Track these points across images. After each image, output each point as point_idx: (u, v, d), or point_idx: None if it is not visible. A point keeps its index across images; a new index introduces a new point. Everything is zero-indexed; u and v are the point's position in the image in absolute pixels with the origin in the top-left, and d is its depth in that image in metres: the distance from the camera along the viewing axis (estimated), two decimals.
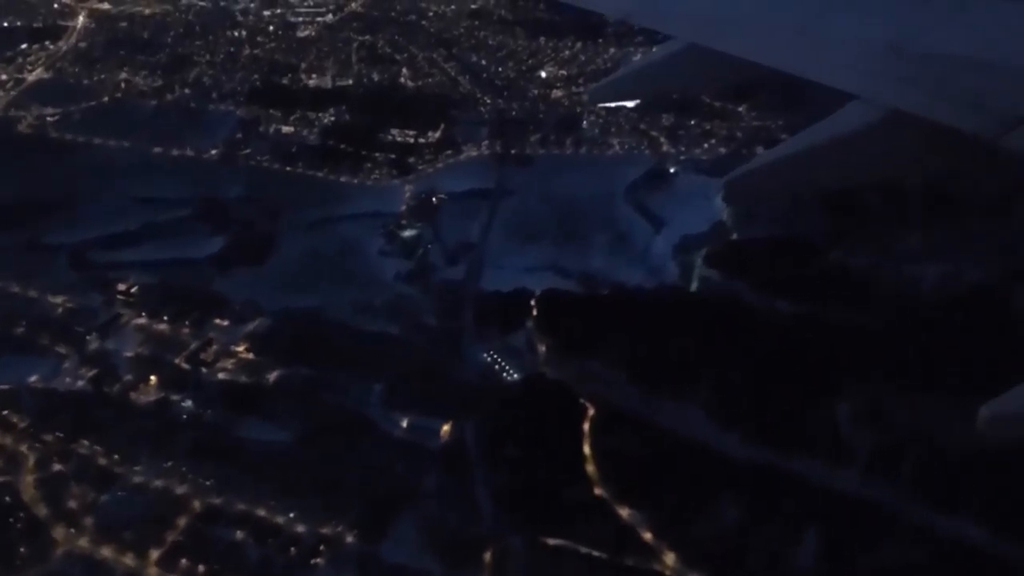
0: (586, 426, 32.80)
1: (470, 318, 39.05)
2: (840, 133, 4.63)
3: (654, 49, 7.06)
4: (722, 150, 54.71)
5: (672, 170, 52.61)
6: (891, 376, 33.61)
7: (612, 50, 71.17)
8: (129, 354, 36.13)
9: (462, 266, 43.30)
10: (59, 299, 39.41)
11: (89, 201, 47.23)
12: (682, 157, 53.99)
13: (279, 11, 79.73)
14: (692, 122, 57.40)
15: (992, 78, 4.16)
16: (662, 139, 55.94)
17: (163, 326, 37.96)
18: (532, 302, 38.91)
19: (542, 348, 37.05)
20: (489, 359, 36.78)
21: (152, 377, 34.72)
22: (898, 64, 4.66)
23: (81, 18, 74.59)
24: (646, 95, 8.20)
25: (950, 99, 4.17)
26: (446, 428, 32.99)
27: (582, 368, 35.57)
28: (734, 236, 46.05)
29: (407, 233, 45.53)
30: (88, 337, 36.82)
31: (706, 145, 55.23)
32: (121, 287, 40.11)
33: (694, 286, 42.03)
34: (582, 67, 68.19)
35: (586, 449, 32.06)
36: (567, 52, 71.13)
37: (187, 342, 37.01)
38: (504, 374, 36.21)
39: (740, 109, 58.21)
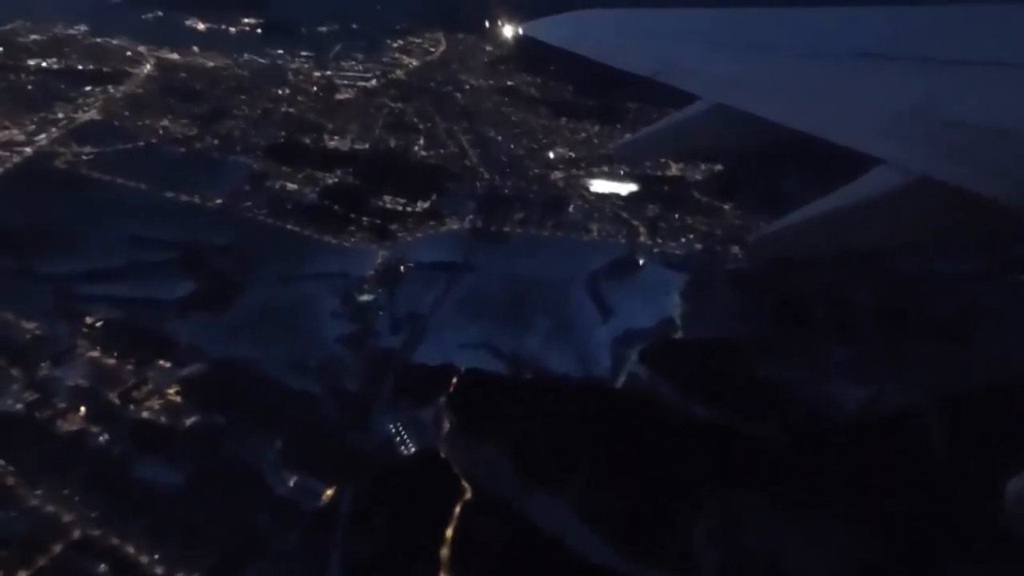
0: (457, 509, 33.92)
1: (389, 387, 40.91)
2: (866, 197, 4.66)
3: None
4: (697, 246, 55.42)
5: (641, 261, 53.61)
6: (767, 497, 33.56)
7: (627, 135, 73.06)
8: (71, 384, 39.46)
9: (402, 336, 45.37)
10: (31, 325, 43.39)
11: (90, 236, 51.72)
12: (655, 249, 54.97)
13: (328, 73, 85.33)
14: (675, 215, 58.45)
15: (1021, 147, 4.20)
16: (641, 229, 57.11)
17: (111, 361, 41.32)
18: (452, 379, 40.55)
19: (446, 426, 38.48)
20: (393, 430, 38.46)
21: (82, 408, 37.89)
22: (926, 130, 4.69)
23: (147, 67, 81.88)
24: (671, 154, 9.05)
25: (978, 167, 4.18)
26: (328, 491, 34.71)
27: (475, 451, 36.74)
28: (678, 335, 46.58)
29: (363, 297, 48.07)
30: (42, 363, 40.46)
31: (683, 239, 56.06)
32: (88, 320, 43.87)
33: (619, 381, 42.73)
34: (591, 150, 70.25)
35: (448, 532, 33.13)
36: (582, 134, 73.44)
37: (125, 379, 40.17)
38: (402, 447, 37.80)
39: (725, 207, 58.96)
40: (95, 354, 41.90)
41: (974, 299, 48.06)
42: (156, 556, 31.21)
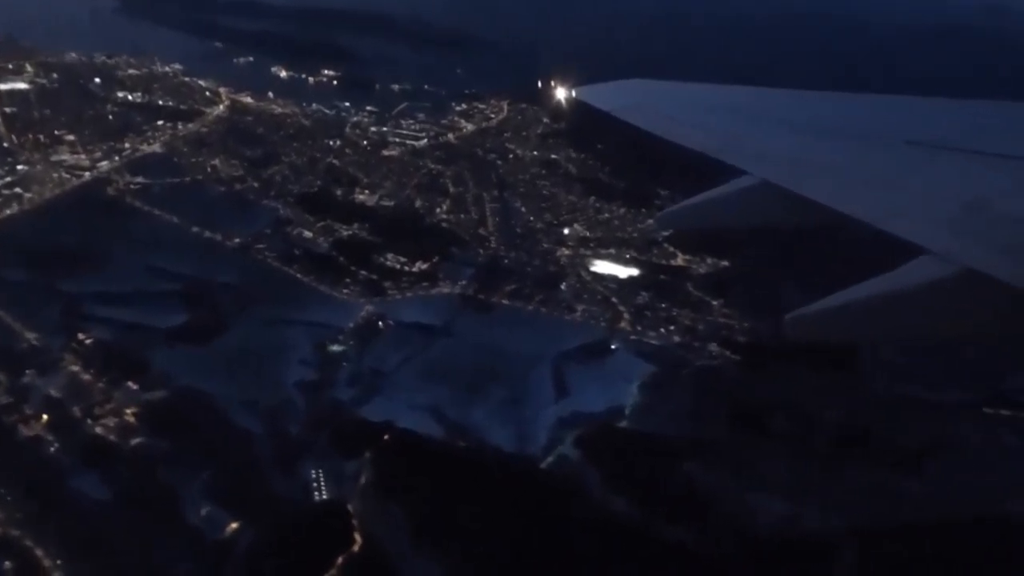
0: (339, 560, 35.62)
1: (326, 437, 43.29)
2: (909, 286, 4.61)
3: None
4: (675, 339, 55.94)
5: (613, 347, 54.53)
6: None
7: (650, 221, 74.41)
8: (45, 393, 43.70)
9: (357, 389, 47.82)
10: (32, 335, 48.25)
11: (113, 262, 56.91)
12: (632, 337, 55.76)
13: (384, 129, 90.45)
14: (663, 305, 59.17)
15: None
16: (625, 315, 58.04)
17: (87, 377, 45.46)
18: (384, 436, 42.59)
19: (361, 481, 40.39)
20: (314, 477, 40.72)
21: (45, 416, 41.92)
22: (975, 223, 4.62)
23: (220, 108, 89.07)
24: (712, 225, 8.03)
25: None
26: (233, 526, 37.17)
27: (378, 508, 38.45)
28: (621, 425, 47.17)
29: (333, 348, 50.95)
30: (27, 371, 44.97)
31: (662, 331, 56.65)
32: (80, 336, 48.38)
33: (546, 463, 43.66)
34: (608, 232, 71.85)
35: None
36: (605, 215, 75.18)
37: (93, 395, 44.14)
38: (315, 494, 39.99)
39: (714, 303, 59.28)
40: (75, 368, 46.20)
41: (946, 431, 46.79)
42: (57, 562, 34.32)
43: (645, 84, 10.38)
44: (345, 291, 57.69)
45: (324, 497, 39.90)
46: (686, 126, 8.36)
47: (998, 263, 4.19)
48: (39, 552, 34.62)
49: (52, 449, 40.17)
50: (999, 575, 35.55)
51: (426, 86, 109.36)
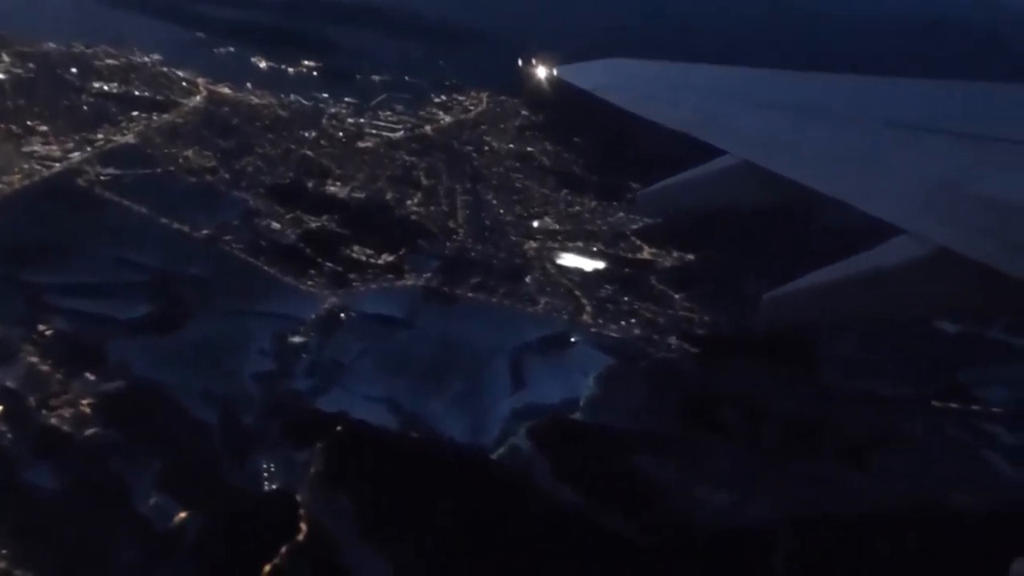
0: (283, 549, 36.24)
1: (279, 427, 43.83)
2: (884, 265, 4.65)
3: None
4: (636, 332, 56.45)
5: (573, 340, 55.07)
6: None
7: (620, 215, 74.81)
8: (1, 385, 44.16)
9: (314, 380, 48.36)
10: None
11: (80, 253, 57.22)
12: (592, 330, 56.29)
13: (362, 121, 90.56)
14: (625, 298, 59.68)
15: None
16: (588, 308, 58.55)
17: (45, 368, 45.90)
18: (337, 427, 43.17)
19: (311, 471, 40.97)
20: (264, 467, 41.30)
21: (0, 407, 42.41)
22: (950, 203, 4.67)
23: (197, 98, 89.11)
24: (692, 204, 7.93)
25: (1000, 243, 4.14)
26: (181, 515, 37.75)
27: (325, 497, 39.06)
28: (574, 417, 47.78)
29: (294, 339, 51.43)
30: None
31: (623, 323, 57.17)
32: (41, 327, 48.79)
33: (497, 454, 44.27)
34: (577, 225, 72.23)
35: (266, 568, 35.42)
36: (576, 208, 75.51)
37: (50, 386, 44.59)
38: (265, 484, 40.57)
39: (677, 296, 59.78)
40: (34, 360, 46.62)
41: (894, 425, 47.42)
42: (3, 551, 34.89)
43: (626, 63, 10.40)
44: (309, 283, 58.10)
45: (273, 487, 40.47)
46: (666, 105, 8.49)
47: (973, 243, 4.25)
48: None
49: (4, 439, 40.66)
50: (931, 566, 36.30)
51: (407, 77, 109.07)
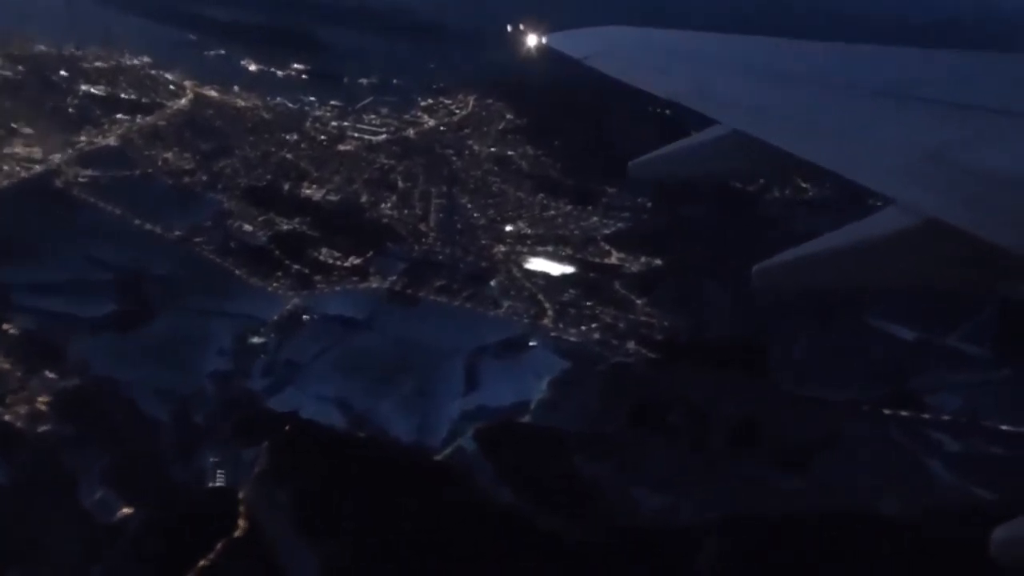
0: (219, 545, 37.12)
1: (230, 426, 44.78)
2: (874, 235, 4.64)
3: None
4: (595, 336, 57.12)
5: (531, 343, 55.80)
6: None
7: (594, 219, 75.50)
8: None
9: (269, 380, 49.31)
10: None
11: (52, 253, 58.43)
12: (552, 334, 57.01)
13: (345, 124, 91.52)
14: (588, 303, 60.37)
15: None
16: (549, 312, 59.26)
17: (5, 365, 47.07)
18: (286, 426, 44.09)
19: (256, 470, 41.86)
20: (212, 465, 42.24)
21: None
22: (941, 173, 4.65)
23: (183, 101, 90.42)
24: (682, 174, 7.79)
25: (989, 213, 4.13)
26: (125, 510, 38.77)
27: (268, 497, 39.93)
28: (523, 419, 48.51)
29: (253, 340, 52.43)
30: None
31: (583, 327, 57.87)
32: (6, 326, 49.96)
33: (443, 454, 45.06)
34: (550, 229, 72.95)
35: (202, 562, 36.33)
36: (551, 212, 76.22)
37: (8, 383, 45.74)
38: (209, 481, 41.53)
39: (638, 302, 60.40)
40: None
41: (838, 430, 47.91)
42: None
43: (618, 31, 10.16)
44: (275, 284, 59.13)
45: (217, 484, 41.39)
46: (657, 73, 8.32)
47: (963, 214, 4.21)
48: None
49: None
50: (858, 570, 36.81)
51: (395, 80, 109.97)
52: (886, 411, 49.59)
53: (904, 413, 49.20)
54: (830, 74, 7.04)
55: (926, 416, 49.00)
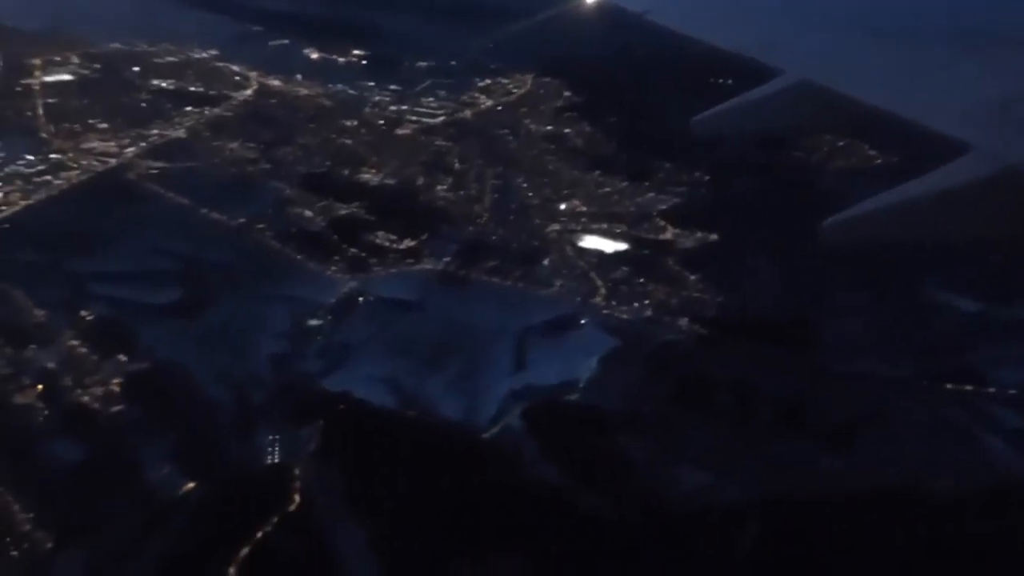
0: (275, 518, 38.86)
1: (287, 406, 46.54)
2: (949, 185, 4.44)
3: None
4: (647, 313, 56.76)
5: (583, 321, 55.85)
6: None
7: (650, 195, 74.64)
8: (41, 365, 48.31)
9: (323, 361, 50.82)
10: (40, 312, 52.58)
11: (124, 243, 61.40)
12: (604, 311, 56.89)
13: (404, 108, 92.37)
14: (640, 280, 59.96)
15: None
16: (602, 290, 59.09)
17: (82, 350, 49.93)
18: (340, 405, 45.67)
19: (310, 447, 43.49)
20: (269, 443, 44.04)
21: (39, 386, 46.49)
22: (1016, 119, 4.47)
23: (248, 92, 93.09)
24: (748, 127, 7.73)
25: None
26: (189, 484, 40.91)
27: (322, 474, 41.51)
28: (572, 397, 48.76)
29: (310, 322, 54.04)
30: (31, 345, 49.70)
31: (636, 304, 57.56)
32: (81, 313, 52.99)
33: (489, 433, 45.73)
34: (604, 207, 72.39)
35: (259, 534, 38.09)
36: (606, 189, 75.57)
37: (85, 367, 48.58)
38: (267, 459, 43.33)
39: (692, 277, 59.66)
40: (74, 343, 50.79)
41: (889, 407, 46.61)
42: (29, 514, 38.69)
43: None
44: (332, 268, 60.70)
45: (274, 461, 43.22)
46: (720, 25, 8.47)
47: None
48: (9, 499, 39.13)
49: (40, 416, 44.69)
50: (908, 554, 36.02)
51: (453, 62, 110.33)
52: (945, 387, 48.06)
53: (964, 388, 47.60)
54: (903, 19, 6.96)
55: (989, 391, 47.32)
